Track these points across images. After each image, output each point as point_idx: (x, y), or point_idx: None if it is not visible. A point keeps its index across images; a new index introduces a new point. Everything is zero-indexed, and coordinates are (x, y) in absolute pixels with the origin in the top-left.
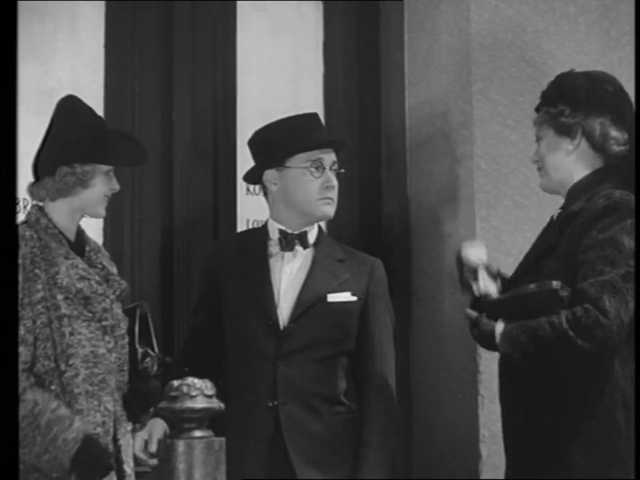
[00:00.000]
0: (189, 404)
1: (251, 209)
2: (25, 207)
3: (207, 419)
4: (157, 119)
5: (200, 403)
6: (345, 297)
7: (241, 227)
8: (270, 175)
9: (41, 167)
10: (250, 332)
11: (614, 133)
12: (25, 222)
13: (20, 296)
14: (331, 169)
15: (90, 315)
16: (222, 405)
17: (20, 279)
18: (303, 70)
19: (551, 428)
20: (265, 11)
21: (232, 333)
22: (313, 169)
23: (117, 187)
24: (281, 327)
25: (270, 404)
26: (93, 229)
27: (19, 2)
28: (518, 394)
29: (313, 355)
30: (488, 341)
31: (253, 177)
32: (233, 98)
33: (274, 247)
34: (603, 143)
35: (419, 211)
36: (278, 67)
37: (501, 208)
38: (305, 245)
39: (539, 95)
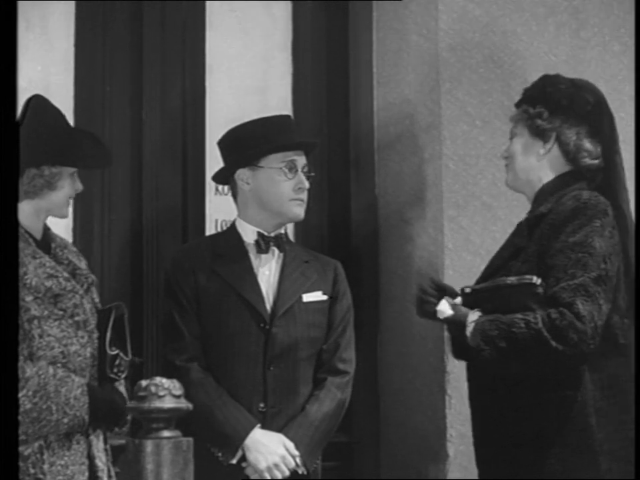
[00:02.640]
0: (157, 404)
1: (220, 209)
2: None
3: (175, 419)
4: (127, 119)
5: (168, 403)
6: (317, 296)
7: (209, 226)
8: (242, 174)
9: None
10: (238, 334)
11: (588, 145)
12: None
13: None
14: (302, 171)
15: (61, 312)
16: (190, 405)
17: None
18: (271, 70)
19: (523, 430)
20: (234, 10)
21: (216, 336)
22: (286, 170)
23: (80, 187)
24: (269, 328)
25: (260, 408)
26: (63, 228)
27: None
28: (488, 394)
29: (297, 355)
30: (459, 330)
31: (224, 176)
32: (202, 98)
33: (251, 249)
34: (576, 153)
35: (388, 211)
36: (247, 66)
37: (470, 208)
38: (280, 247)
39: (508, 96)
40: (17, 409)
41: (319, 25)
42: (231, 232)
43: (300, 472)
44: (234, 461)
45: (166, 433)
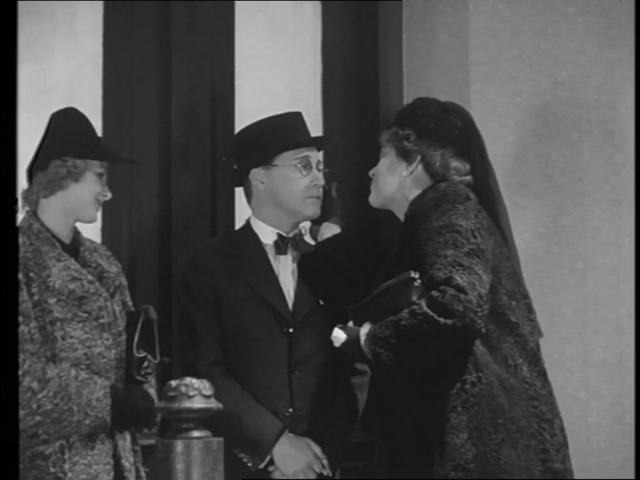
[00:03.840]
0: (187, 404)
1: (249, 208)
2: (22, 207)
3: (205, 419)
4: (155, 119)
5: (198, 403)
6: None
7: (239, 226)
8: (256, 173)
9: (35, 165)
10: (261, 339)
11: (455, 163)
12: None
13: (18, 299)
14: (317, 168)
15: (85, 314)
16: (220, 405)
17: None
18: (301, 70)
19: (430, 421)
20: (263, 11)
21: (238, 340)
22: (300, 167)
23: (108, 194)
24: (292, 332)
25: (287, 413)
26: (91, 230)
27: (18, 2)
28: (389, 393)
29: (319, 358)
30: (355, 348)
31: (237, 178)
32: (231, 98)
33: (269, 251)
34: (444, 172)
35: None
36: (276, 67)
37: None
38: (298, 248)
39: (538, 95)
40: (16, 410)
41: (348, 25)
42: (247, 232)
43: (325, 474)
44: (262, 466)
45: (196, 433)
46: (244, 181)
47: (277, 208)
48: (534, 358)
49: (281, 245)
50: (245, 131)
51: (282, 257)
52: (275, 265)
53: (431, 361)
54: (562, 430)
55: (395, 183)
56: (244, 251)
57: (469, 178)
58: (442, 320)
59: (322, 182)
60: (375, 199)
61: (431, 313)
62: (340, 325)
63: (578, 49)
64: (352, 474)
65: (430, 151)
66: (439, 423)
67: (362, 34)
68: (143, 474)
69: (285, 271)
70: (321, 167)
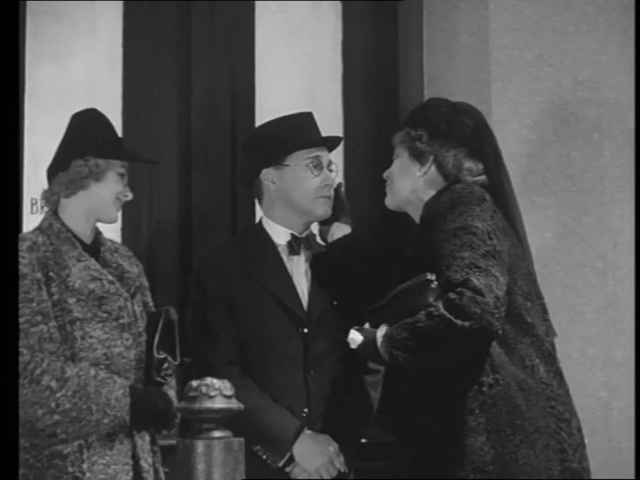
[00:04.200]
0: (208, 404)
1: None
2: (42, 207)
3: (226, 420)
4: (175, 119)
5: (219, 403)
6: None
7: None
8: (267, 173)
9: (56, 165)
10: (277, 339)
11: (468, 164)
12: (38, 228)
13: (37, 299)
14: (328, 168)
15: (105, 314)
16: (241, 406)
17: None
18: (321, 70)
19: (448, 424)
20: (283, 10)
21: (254, 340)
22: (312, 167)
23: (129, 194)
24: (307, 332)
25: (303, 413)
26: (111, 230)
27: (37, 2)
28: (405, 394)
29: (333, 357)
30: (372, 350)
31: (248, 178)
32: (251, 98)
33: (282, 251)
34: (457, 173)
35: None
36: (296, 67)
37: (520, 207)
38: (310, 248)
39: (558, 95)
40: (17, 410)
41: (368, 25)
42: (259, 232)
43: (342, 470)
44: (281, 464)
45: (217, 433)
46: (254, 181)
47: (288, 208)
48: (550, 358)
49: (294, 245)
50: (256, 131)
51: (295, 258)
52: (288, 265)
53: (448, 362)
54: (579, 430)
55: (409, 184)
56: (257, 251)
57: (482, 178)
58: (459, 322)
59: (333, 182)
60: (390, 201)
61: (448, 315)
62: (356, 327)
63: (599, 48)
64: (367, 474)
65: (442, 151)
66: (457, 425)
67: (382, 34)
68: (162, 475)
69: (299, 271)
70: (332, 167)
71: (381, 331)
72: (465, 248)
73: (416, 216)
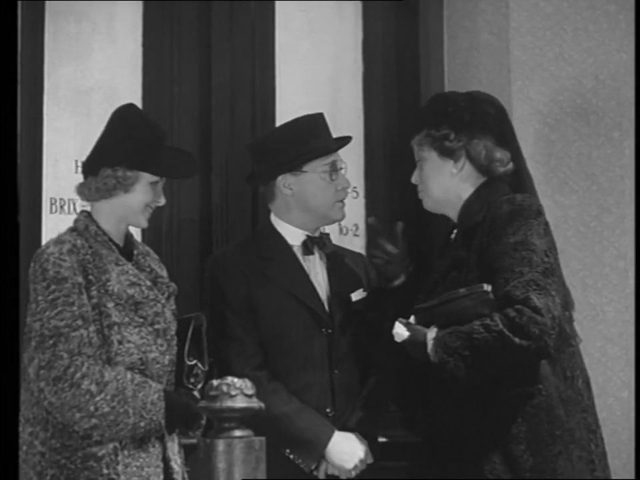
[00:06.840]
0: (229, 403)
1: None
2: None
3: (247, 419)
4: (195, 119)
5: (240, 402)
6: (361, 293)
7: None
8: (285, 179)
9: (87, 167)
10: (301, 340)
11: (498, 154)
12: (74, 229)
13: (77, 302)
14: (340, 169)
15: (141, 320)
16: (262, 405)
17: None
18: (342, 69)
19: (488, 431)
20: (304, 10)
21: (277, 343)
22: (330, 172)
23: (162, 201)
24: (332, 332)
25: (328, 412)
26: (132, 230)
27: (57, 2)
28: (449, 401)
29: (353, 357)
30: (419, 349)
31: (262, 182)
32: (272, 98)
33: (297, 251)
34: (488, 165)
35: None
36: (317, 67)
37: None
38: (324, 248)
39: (579, 94)
40: (17, 410)
41: (389, 24)
42: (272, 234)
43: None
44: (314, 467)
45: (238, 432)
46: (268, 184)
47: (305, 212)
48: (581, 367)
49: (309, 245)
50: (270, 135)
51: (310, 257)
52: (305, 265)
53: (498, 374)
54: (602, 440)
55: (445, 183)
56: (272, 252)
57: (510, 166)
58: (517, 340)
59: (348, 184)
60: (428, 204)
61: (507, 332)
62: (403, 321)
63: (619, 47)
64: (402, 474)
65: (472, 143)
66: (499, 432)
67: (403, 33)
68: (185, 475)
69: (315, 270)
70: (342, 165)
71: (432, 333)
72: (524, 263)
73: (454, 214)
